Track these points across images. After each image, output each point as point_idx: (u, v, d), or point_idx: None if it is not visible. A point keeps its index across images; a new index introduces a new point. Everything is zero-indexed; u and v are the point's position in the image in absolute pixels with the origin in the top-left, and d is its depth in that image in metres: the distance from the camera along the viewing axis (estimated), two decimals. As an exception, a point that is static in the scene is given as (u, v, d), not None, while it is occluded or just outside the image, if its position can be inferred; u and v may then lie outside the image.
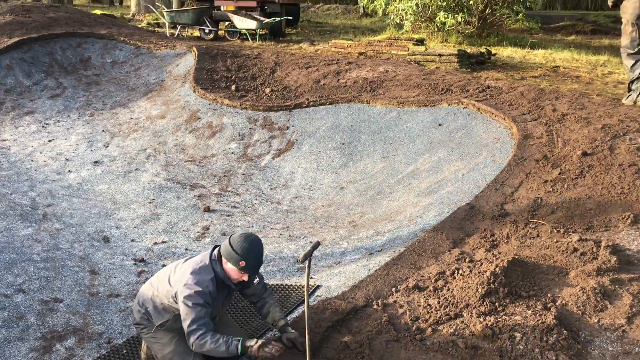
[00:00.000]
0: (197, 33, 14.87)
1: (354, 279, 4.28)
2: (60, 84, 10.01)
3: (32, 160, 7.62)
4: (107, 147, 8.11)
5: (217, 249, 3.41)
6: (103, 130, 8.61)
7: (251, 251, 3.24)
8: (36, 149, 7.97)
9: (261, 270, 4.89)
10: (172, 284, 3.36)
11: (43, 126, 8.73)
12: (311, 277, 4.68)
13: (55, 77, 10.19)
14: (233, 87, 9.31)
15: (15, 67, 10.11)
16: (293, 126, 8.23)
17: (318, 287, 4.42)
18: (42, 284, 4.63)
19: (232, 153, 7.96)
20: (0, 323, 4.02)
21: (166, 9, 14.66)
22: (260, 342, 3.12)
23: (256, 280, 3.53)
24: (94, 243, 5.51)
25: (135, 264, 5.14)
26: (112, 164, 7.59)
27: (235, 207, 6.62)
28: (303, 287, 4.47)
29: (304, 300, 4.23)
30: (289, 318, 3.91)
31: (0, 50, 10.19)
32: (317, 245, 2.37)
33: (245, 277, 3.31)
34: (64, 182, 7.01)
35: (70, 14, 12.90)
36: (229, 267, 3.29)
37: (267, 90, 9.13)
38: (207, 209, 6.43)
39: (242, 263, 3.22)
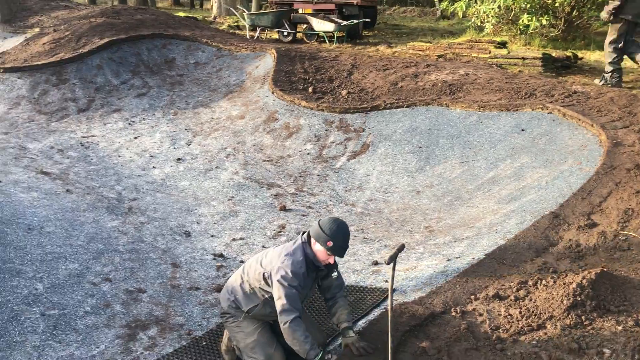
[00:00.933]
0: (275, 35, 15.11)
1: (431, 285, 4.21)
2: (146, 83, 10.44)
3: (119, 156, 7.98)
4: (189, 145, 8.38)
5: (306, 232, 3.54)
6: (186, 129, 8.91)
7: (339, 232, 3.37)
8: (123, 145, 8.34)
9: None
10: (263, 265, 3.50)
11: (129, 123, 9.13)
12: (386, 281, 4.65)
13: (142, 76, 10.63)
14: (310, 89, 9.39)
15: (105, 66, 10.63)
16: (369, 128, 8.21)
17: (394, 290, 4.38)
18: (127, 275, 4.83)
19: (308, 154, 8.03)
20: (89, 309, 4.23)
21: (247, 12, 14.98)
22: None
23: (335, 274, 3.61)
24: (175, 237, 5.70)
25: (214, 259, 5.28)
26: (194, 161, 7.84)
27: (310, 207, 6.67)
28: (378, 289, 4.45)
29: (379, 303, 4.22)
30: (364, 321, 3.91)
31: (91, 51, 10.74)
32: (402, 247, 2.36)
33: (332, 260, 3.45)
34: (148, 178, 7.30)
35: (156, 16, 13.42)
36: (317, 248, 3.41)
37: (344, 92, 9.15)
38: (283, 208, 6.52)
39: (330, 243, 3.34)
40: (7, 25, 13.64)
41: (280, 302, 3.29)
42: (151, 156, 8.00)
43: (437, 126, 7.83)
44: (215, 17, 19.84)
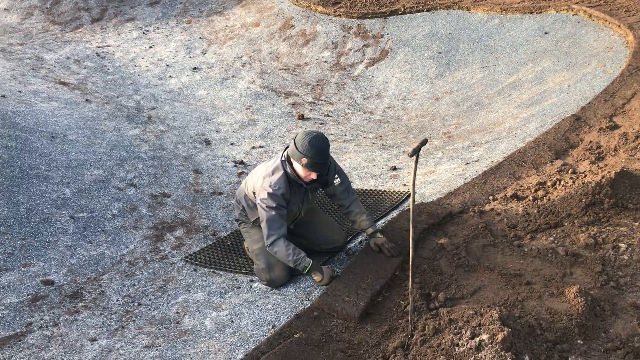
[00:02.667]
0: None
1: (449, 187, 4.26)
2: (158, -9, 10.21)
3: (135, 66, 7.93)
4: (204, 54, 8.29)
5: (286, 150, 3.37)
6: (200, 38, 8.77)
7: (312, 148, 3.13)
8: (138, 55, 8.27)
9: (354, 176, 5.00)
10: (249, 185, 3.49)
11: (144, 32, 9.00)
12: (404, 185, 4.71)
13: (154, -16, 10.38)
14: (327, -6, 9.11)
15: (116, -26, 10.36)
16: (388, 34, 8.02)
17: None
18: (150, 180, 4.94)
19: (325, 62, 7.91)
20: (117, 212, 4.37)
21: None
22: (326, 279, 3.22)
23: (337, 181, 3.48)
24: (196, 145, 5.77)
25: (235, 166, 5.36)
26: (210, 70, 7.78)
27: (328, 115, 6.66)
28: (397, 192, 4.52)
29: (397, 205, 4.29)
30: (383, 221, 4.00)
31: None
32: (425, 141, 2.35)
33: (313, 176, 3.25)
34: (165, 87, 7.29)
35: None
36: (296, 166, 3.25)
37: (362, -4, 8.87)
38: (301, 117, 6.52)
39: (304, 160, 3.15)
40: None
41: (262, 225, 3.29)
42: (167, 65, 7.94)
43: (457, 31, 7.62)
44: None
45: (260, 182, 3.32)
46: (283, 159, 3.33)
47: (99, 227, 4.11)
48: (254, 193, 3.43)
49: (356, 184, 4.78)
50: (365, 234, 3.64)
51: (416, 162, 2.28)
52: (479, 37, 7.36)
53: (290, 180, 3.31)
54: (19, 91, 6.36)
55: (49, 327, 3.09)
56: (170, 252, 3.94)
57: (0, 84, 6.53)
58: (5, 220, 3.87)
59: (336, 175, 3.47)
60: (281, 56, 8.17)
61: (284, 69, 7.82)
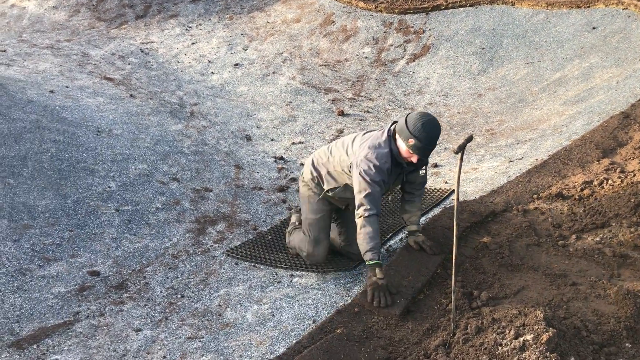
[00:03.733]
0: None
1: (493, 185, 4.20)
2: (200, -12, 10.34)
3: (178, 62, 8.06)
4: (245, 50, 8.36)
5: (395, 124, 3.21)
6: (242, 34, 8.85)
7: (423, 130, 2.96)
8: (181, 51, 8.40)
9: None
10: (349, 154, 3.31)
11: (186, 29, 9.13)
12: (446, 182, 4.67)
13: (196, -19, 10.51)
14: (368, -10, 9.07)
15: (160, -28, 10.53)
16: (429, 30, 7.94)
17: (453, 191, 4.40)
18: (193, 175, 5.02)
19: (366, 57, 7.89)
20: (160, 206, 4.45)
21: None
22: (381, 282, 2.93)
23: (422, 172, 3.35)
24: (237, 140, 5.83)
25: (275, 161, 5.40)
26: (251, 66, 7.84)
27: (368, 112, 6.63)
28: (438, 190, 4.48)
29: (439, 202, 4.25)
30: (424, 218, 3.97)
31: (146, -44, 10.61)
32: (470, 138, 2.31)
33: (414, 159, 3.07)
34: (207, 83, 7.38)
35: None
36: (400, 144, 3.09)
37: (403, -8, 8.80)
38: (341, 113, 6.51)
39: (411, 141, 2.98)
40: None
41: (359, 197, 3.08)
42: (209, 62, 8.04)
43: (501, 26, 7.49)
44: None
45: (365, 151, 3.15)
46: (390, 133, 3.18)
47: (143, 220, 4.20)
48: (348, 166, 3.29)
49: (396, 181, 4.75)
50: (405, 230, 3.60)
51: (461, 159, 2.25)
52: (523, 33, 7.22)
53: (392, 157, 3.16)
54: (66, 86, 6.54)
55: (95, 316, 3.17)
56: (212, 245, 4.00)
57: (49, 79, 6.73)
58: (54, 212, 3.99)
59: (424, 166, 3.37)
60: (321, 52, 8.18)
61: (324, 65, 7.83)
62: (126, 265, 3.66)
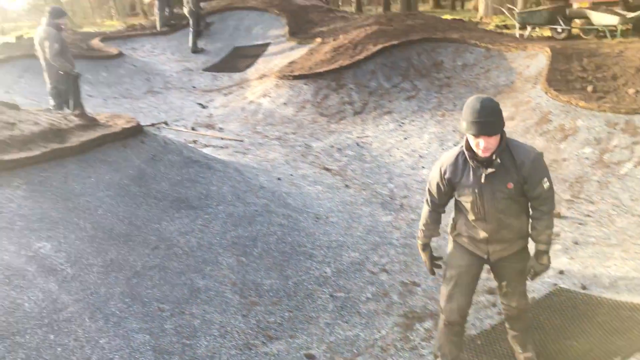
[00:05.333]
0: (547, 33, 14.33)
1: None
2: (415, 86, 10.81)
3: (390, 155, 8.43)
4: (456, 145, 8.46)
5: None
6: (453, 130, 9.00)
7: (468, 107, 2.92)
8: (393, 146, 8.78)
9: (622, 287, 4.52)
10: None
11: (399, 125, 9.56)
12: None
13: (411, 80, 11.04)
14: (589, 88, 8.69)
15: (378, 71, 11.29)
16: (663, 131, 7.29)
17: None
18: (401, 267, 5.11)
19: (586, 158, 7.46)
20: (370, 296, 4.58)
21: (517, 10, 14.49)
22: (428, 261, 3.48)
23: (546, 185, 3.08)
24: (445, 236, 5.81)
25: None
26: (462, 162, 7.88)
27: (588, 215, 6.21)
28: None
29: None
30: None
31: (366, 57, 11.50)
32: None
33: (482, 142, 2.91)
34: (417, 177, 7.57)
35: (425, 20, 13.78)
36: (467, 138, 3.03)
37: (631, 91, 8.27)
38: (558, 215, 6.18)
39: (463, 124, 2.94)
40: (294, 36, 15.35)
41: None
42: (420, 156, 8.27)
43: None
44: (481, 18, 19.60)
45: None
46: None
47: (354, 308, 4.35)
48: None
49: (625, 297, 4.31)
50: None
51: None
52: None
53: (466, 156, 3.09)
54: (291, 174, 7.19)
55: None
56: (419, 342, 3.98)
57: (277, 167, 7.48)
58: (277, 291, 4.33)
59: (545, 179, 3.11)
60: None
61: (539, 164, 7.57)
62: (338, 352, 3.79)
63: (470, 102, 2.93)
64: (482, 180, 3.04)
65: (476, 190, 3.07)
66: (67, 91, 8.20)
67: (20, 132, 4.83)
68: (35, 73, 11.93)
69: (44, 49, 7.91)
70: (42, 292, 3.38)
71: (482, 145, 2.92)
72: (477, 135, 2.90)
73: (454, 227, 3.47)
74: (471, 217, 3.20)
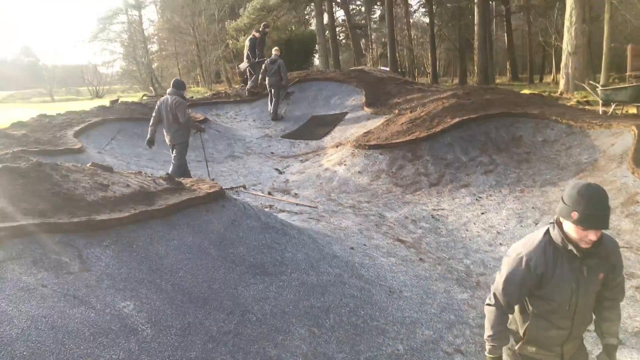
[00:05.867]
0: (632, 110, 13.91)
1: None
2: (493, 160, 10.68)
3: (467, 230, 8.26)
4: (536, 224, 8.21)
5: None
6: (533, 207, 8.76)
7: (582, 197, 2.62)
8: (470, 220, 8.62)
9: None
10: None
11: (477, 199, 9.41)
12: None
13: (489, 154, 10.92)
14: (681, 170, 8.30)
15: (455, 144, 11.26)
16: None
17: None
18: (477, 349, 4.91)
19: (678, 243, 7.04)
20: (444, 378, 4.41)
21: (601, 87, 14.20)
22: None
23: (620, 277, 2.91)
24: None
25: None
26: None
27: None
28: None
29: None
30: None
31: (443, 130, 11.53)
32: None
33: (592, 236, 2.64)
34: (495, 254, 7.36)
35: (504, 95, 13.74)
36: (567, 227, 2.72)
37: None
38: (648, 303, 5.81)
39: (575, 214, 2.63)
40: (370, 107, 15.66)
41: (495, 280, 3.03)
42: (498, 232, 8.07)
43: None
44: (561, 93, 19.31)
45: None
46: (552, 221, 2.89)
47: (427, 390, 4.20)
48: None
49: None
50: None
51: None
52: None
53: (555, 247, 2.79)
54: (364, 244, 7.17)
55: None
56: None
57: (350, 236, 7.48)
58: (349, 366, 4.25)
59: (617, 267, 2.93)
60: (622, 233, 7.58)
61: (627, 247, 7.20)
62: None
63: (585, 192, 2.67)
64: (585, 274, 2.79)
65: (574, 285, 2.79)
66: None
67: (112, 194, 5.13)
68: (126, 135, 12.74)
69: (176, 114, 9.61)
70: (123, 351, 3.48)
71: (592, 238, 2.69)
72: (592, 228, 2.65)
73: (520, 336, 3.07)
74: (556, 316, 2.87)
